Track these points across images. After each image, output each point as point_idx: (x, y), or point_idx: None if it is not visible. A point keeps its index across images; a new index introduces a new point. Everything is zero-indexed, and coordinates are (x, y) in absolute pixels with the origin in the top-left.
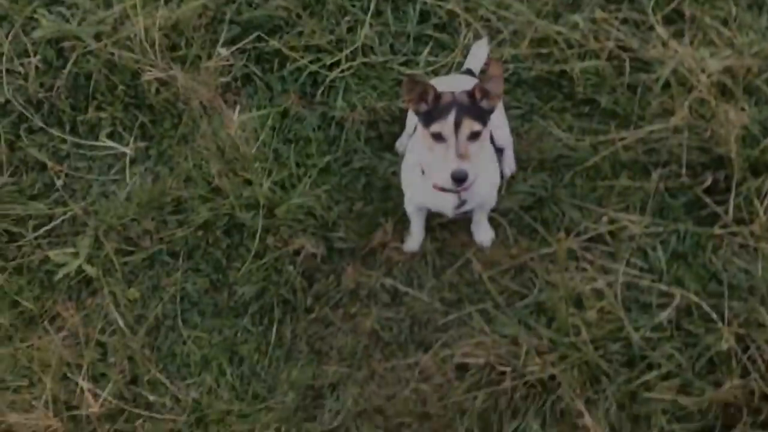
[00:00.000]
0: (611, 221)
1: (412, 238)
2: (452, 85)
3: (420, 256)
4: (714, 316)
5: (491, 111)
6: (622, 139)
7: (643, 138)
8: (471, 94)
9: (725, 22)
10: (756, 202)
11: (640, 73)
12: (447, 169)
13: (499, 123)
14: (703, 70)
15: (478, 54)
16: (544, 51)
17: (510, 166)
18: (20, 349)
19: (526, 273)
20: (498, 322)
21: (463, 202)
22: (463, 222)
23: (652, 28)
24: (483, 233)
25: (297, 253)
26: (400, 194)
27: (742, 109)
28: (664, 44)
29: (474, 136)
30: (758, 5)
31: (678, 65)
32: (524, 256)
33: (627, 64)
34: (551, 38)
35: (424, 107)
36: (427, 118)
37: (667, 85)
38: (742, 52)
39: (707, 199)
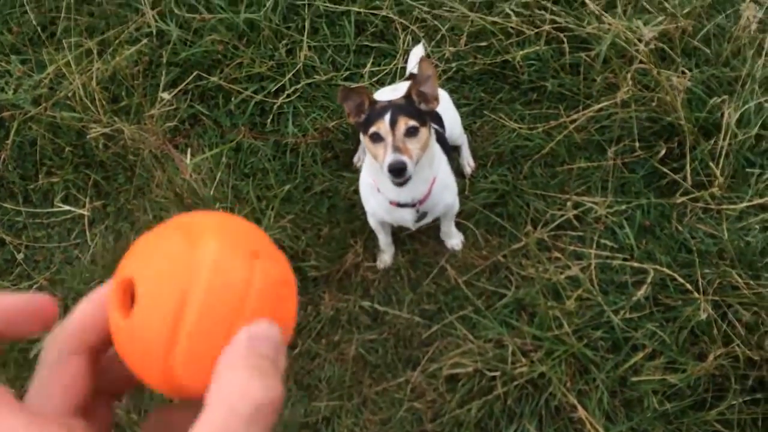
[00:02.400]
0: (576, 205)
1: (383, 254)
2: (398, 93)
3: (394, 270)
4: (689, 286)
5: (430, 112)
6: (573, 121)
7: (593, 116)
8: (407, 96)
9: None
10: (711, 165)
11: (580, 51)
12: (385, 164)
13: (452, 121)
14: (639, 40)
15: (418, 57)
16: (483, 44)
17: (469, 163)
18: None
19: (501, 272)
20: (481, 326)
21: (423, 215)
22: (431, 229)
23: (584, 4)
24: (452, 239)
25: None
26: (365, 211)
27: (684, 73)
28: (598, 19)
29: (411, 132)
30: None
31: (614, 38)
32: (496, 255)
33: (566, 44)
34: (488, 30)
35: (362, 117)
36: (366, 124)
37: (607, 60)
38: (675, 14)
39: (665, 169)
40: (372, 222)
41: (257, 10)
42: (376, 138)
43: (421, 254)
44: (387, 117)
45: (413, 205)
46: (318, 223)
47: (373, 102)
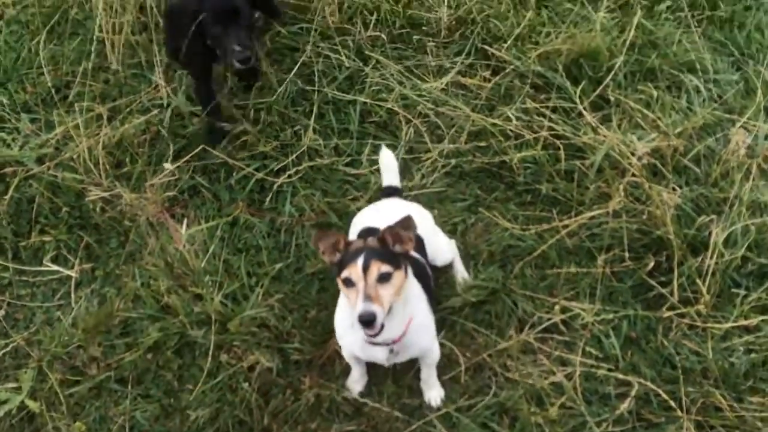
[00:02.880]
0: (563, 310)
1: (354, 382)
2: (380, 214)
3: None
4: (672, 404)
5: (405, 254)
6: (566, 226)
7: (585, 223)
8: (381, 239)
9: (648, 105)
10: (698, 282)
11: (575, 159)
12: (355, 314)
13: (436, 244)
14: (632, 153)
15: (387, 163)
16: (482, 144)
17: (462, 274)
18: None
19: (485, 371)
20: (461, 426)
21: (396, 354)
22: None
23: (581, 115)
24: (431, 391)
25: (252, 368)
26: None
27: (674, 189)
28: (594, 130)
29: (383, 278)
30: (677, 86)
31: (609, 150)
32: (481, 354)
33: (562, 151)
34: (488, 131)
35: (337, 257)
36: (339, 267)
37: (601, 170)
38: (668, 133)
39: (652, 282)
40: (346, 356)
41: (269, 95)
42: (349, 283)
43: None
44: (360, 261)
45: (388, 344)
46: (306, 305)
47: (348, 243)
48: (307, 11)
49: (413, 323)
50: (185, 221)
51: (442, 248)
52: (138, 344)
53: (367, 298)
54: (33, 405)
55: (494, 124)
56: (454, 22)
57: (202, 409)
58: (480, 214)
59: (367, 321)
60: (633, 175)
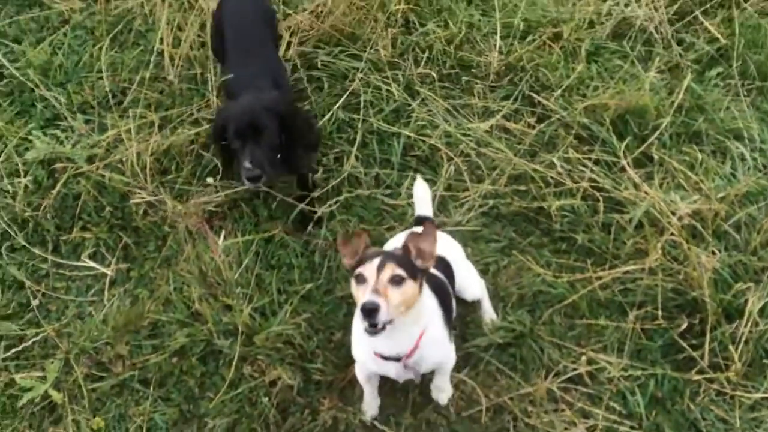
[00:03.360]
0: (590, 362)
1: (367, 405)
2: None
3: (400, 391)
4: None
5: (424, 270)
6: (599, 278)
7: (619, 277)
8: (405, 248)
9: (692, 167)
10: (731, 348)
11: (613, 212)
12: (359, 304)
13: (465, 274)
14: (673, 213)
15: (421, 194)
16: (521, 188)
17: (490, 314)
18: None
19: (505, 415)
20: None
21: (410, 370)
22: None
23: (623, 169)
24: (440, 392)
25: (273, 383)
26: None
27: (713, 253)
28: (636, 186)
29: (395, 280)
30: (722, 152)
31: (649, 207)
32: (503, 396)
33: (601, 203)
34: (528, 175)
35: (356, 258)
36: (356, 266)
37: (640, 226)
38: (710, 196)
39: (683, 343)
40: (359, 374)
41: (320, 117)
42: (360, 279)
43: (428, 378)
44: (376, 261)
45: (399, 359)
46: (332, 327)
47: (368, 247)
48: (359, 40)
49: (426, 336)
50: (223, 233)
51: (471, 283)
52: (164, 347)
53: (375, 291)
54: (56, 396)
55: (535, 170)
56: (503, 68)
57: (221, 418)
58: (513, 257)
59: (370, 310)
60: (672, 234)
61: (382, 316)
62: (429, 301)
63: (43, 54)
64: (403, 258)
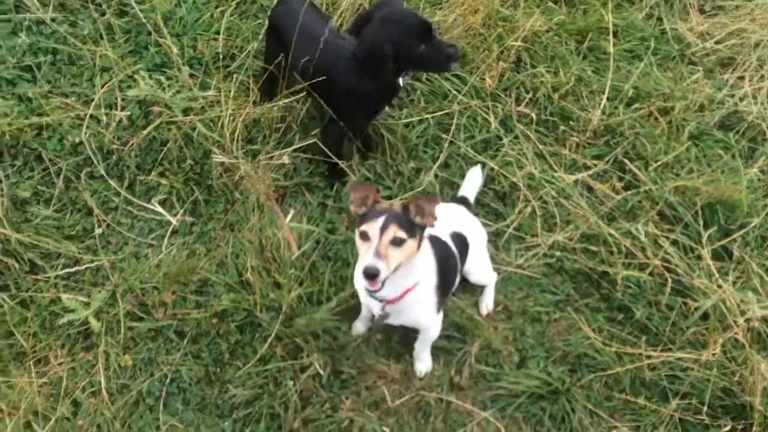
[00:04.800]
0: None
1: (359, 323)
2: (445, 213)
3: (423, 415)
4: None
5: (423, 227)
6: (649, 357)
7: (670, 362)
8: (405, 207)
9: None
10: None
11: (679, 296)
12: (362, 266)
13: (480, 259)
14: (743, 313)
15: (473, 179)
16: (592, 248)
17: (488, 306)
18: None
19: None
20: None
21: (386, 314)
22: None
23: (700, 257)
24: (419, 363)
25: (302, 369)
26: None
27: None
28: (710, 277)
29: (397, 242)
30: None
31: (720, 301)
32: None
33: (669, 284)
34: (602, 238)
35: (362, 210)
36: (361, 220)
37: (704, 317)
38: None
39: None
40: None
41: (411, 127)
42: (365, 237)
43: (452, 409)
44: (380, 221)
45: (381, 301)
46: (372, 328)
47: (376, 201)
48: (468, 64)
49: (412, 293)
50: (291, 212)
51: (480, 268)
52: (208, 306)
53: (377, 254)
54: (95, 324)
55: (611, 234)
56: (602, 128)
57: (243, 389)
58: (566, 314)
59: (371, 275)
60: (736, 333)
61: (381, 277)
62: (427, 264)
63: (168, 3)
64: (404, 218)
